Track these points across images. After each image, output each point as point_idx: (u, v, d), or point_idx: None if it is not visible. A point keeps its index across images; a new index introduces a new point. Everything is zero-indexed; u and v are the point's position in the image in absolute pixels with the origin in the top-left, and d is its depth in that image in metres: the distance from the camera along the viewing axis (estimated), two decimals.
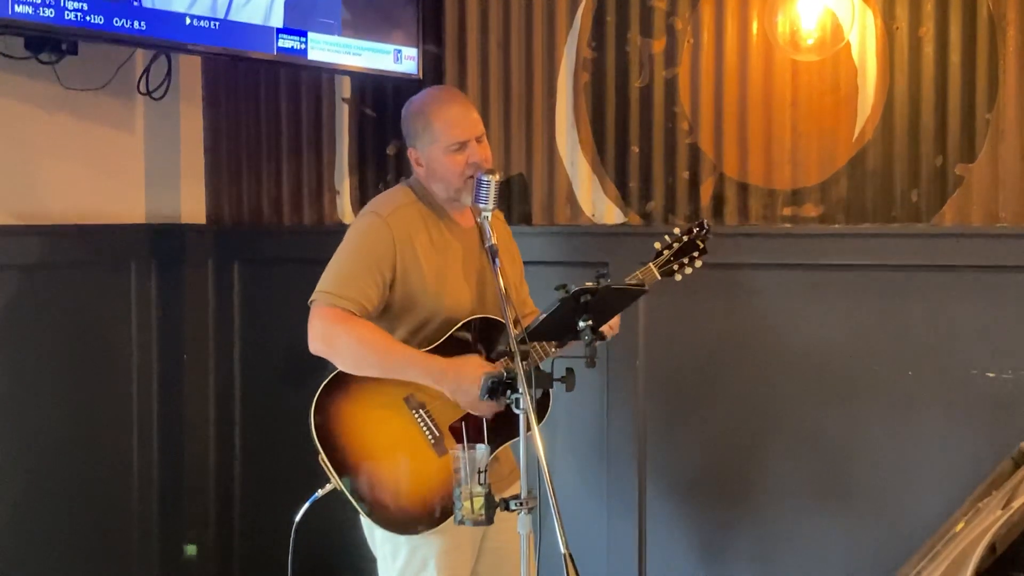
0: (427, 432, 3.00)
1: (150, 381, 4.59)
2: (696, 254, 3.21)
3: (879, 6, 3.85)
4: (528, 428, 2.69)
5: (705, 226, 3.23)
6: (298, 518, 3.00)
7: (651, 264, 3.18)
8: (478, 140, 3.06)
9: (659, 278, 3.18)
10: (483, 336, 3.07)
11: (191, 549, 4.70)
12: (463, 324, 3.04)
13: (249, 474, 4.79)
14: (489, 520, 2.67)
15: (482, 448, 2.69)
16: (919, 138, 3.83)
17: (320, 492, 2.98)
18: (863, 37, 3.87)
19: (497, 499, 2.67)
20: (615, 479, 4.18)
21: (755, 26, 3.99)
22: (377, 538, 3.08)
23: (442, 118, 3.05)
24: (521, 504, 2.68)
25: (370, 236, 3.04)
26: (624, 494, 4.15)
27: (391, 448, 2.99)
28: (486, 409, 2.96)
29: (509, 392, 2.70)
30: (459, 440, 2.95)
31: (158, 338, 4.61)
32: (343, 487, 2.95)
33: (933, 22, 3.79)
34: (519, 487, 2.75)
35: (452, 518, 2.80)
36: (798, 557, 3.97)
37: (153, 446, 4.61)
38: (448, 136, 3.03)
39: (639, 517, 4.14)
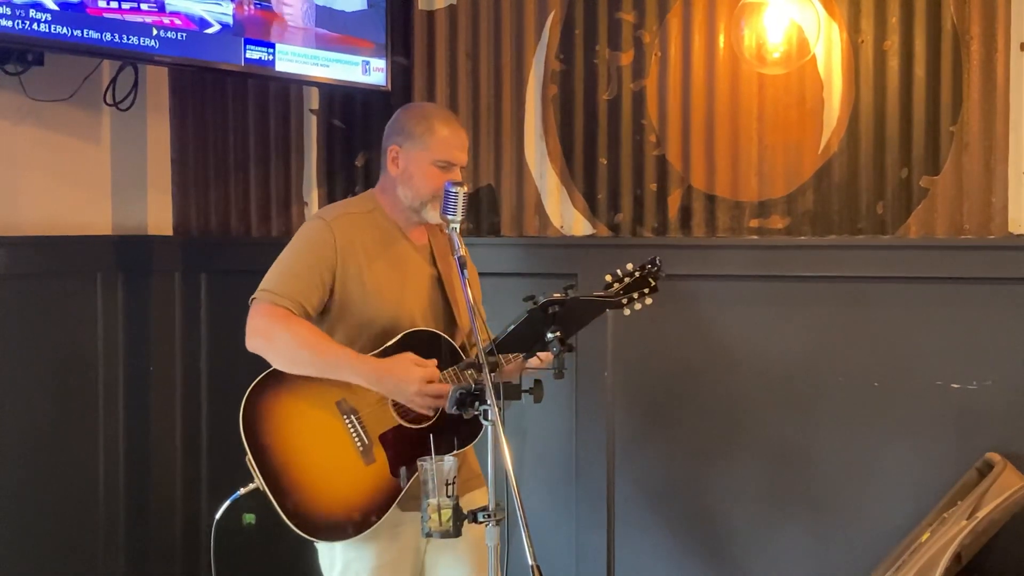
0: (356, 439, 2.98)
1: (116, 392, 4.57)
2: (647, 290, 3.11)
3: (845, 20, 3.87)
4: (496, 439, 2.68)
5: (658, 263, 3.14)
6: (218, 516, 2.99)
7: (599, 295, 3.11)
8: (461, 168, 3.12)
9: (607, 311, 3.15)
10: (425, 350, 3.03)
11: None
12: (405, 336, 3.03)
13: (215, 484, 4.76)
14: (457, 532, 2.66)
15: (450, 460, 2.68)
16: (884, 150, 3.86)
17: (242, 491, 2.96)
18: (829, 50, 3.90)
19: (465, 511, 2.67)
20: (584, 489, 4.18)
21: (722, 39, 4.01)
22: (319, 547, 3.09)
23: (443, 132, 3.09)
24: (489, 516, 2.67)
25: (312, 239, 3.07)
26: (593, 504, 4.16)
27: (318, 452, 2.98)
28: (423, 403, 2.95)
29: (477, 404, 2.70)
30: (389, 450, 2.97)
31: (125, 349, 4.59)
32: (266, 488, 2.92)
33: (898, 36, 3.82)
34: (480, 494, 2.75)
35: (372, 528, 2.91)
36: (765, 567, 3.98)
37: (119, 457, 4.59)
38: (442, 151, 3.07)
39: (608, 527, 4.14)
